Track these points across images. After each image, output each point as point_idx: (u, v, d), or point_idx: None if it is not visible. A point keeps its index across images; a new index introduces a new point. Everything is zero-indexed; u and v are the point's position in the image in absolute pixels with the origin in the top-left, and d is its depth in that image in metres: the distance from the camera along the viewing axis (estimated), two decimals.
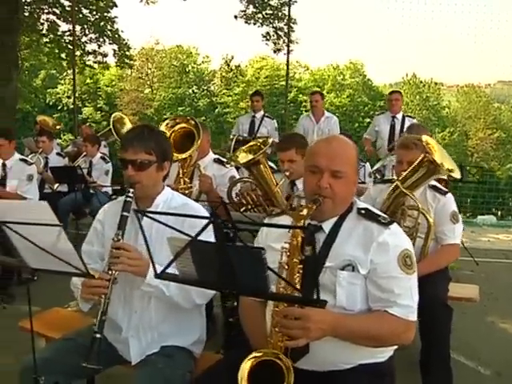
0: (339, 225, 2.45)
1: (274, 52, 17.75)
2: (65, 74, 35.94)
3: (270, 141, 4.39)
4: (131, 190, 2.75)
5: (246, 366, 2.18)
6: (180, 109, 36.78)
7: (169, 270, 1.99)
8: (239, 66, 42.64)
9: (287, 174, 4.26)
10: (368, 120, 37.62)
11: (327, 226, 2.45)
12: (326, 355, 2.35)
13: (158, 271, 1.98)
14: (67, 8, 17.46)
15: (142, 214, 1.90)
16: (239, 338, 4.21)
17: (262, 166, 4.21)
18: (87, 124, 14.57)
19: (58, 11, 17.71)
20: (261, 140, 4.52)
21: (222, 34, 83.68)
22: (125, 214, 2.72)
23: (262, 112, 9.43)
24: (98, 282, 2.56)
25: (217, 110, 38.07)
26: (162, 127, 4.50)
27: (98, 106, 36.69)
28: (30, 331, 3.58)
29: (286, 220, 2.63)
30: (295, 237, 2.22)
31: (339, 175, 2.38)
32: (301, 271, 2.22)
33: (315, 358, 2.33)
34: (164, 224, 1.94)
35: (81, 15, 17.92)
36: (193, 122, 4.51)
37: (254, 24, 17.70)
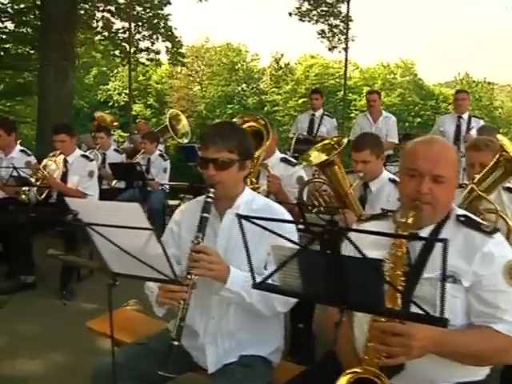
0: (437, 233, 2.27)
1: (329, 50, 17.55)
2: (115, 71, 36.44)
3: (345, 141, 4.21)
4: (212, 191, 2.63)
5: (341, 381, 2.03)
6: (229, 106, 36.77)
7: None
8: (289, 64, 42.44)
9: (361, 175, 4.09)
10: (418, 120, 37.00)
11: (425, 234, 2.27)
12: (422, 372, 2.18)
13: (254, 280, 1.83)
14: (122, 6, 17.64)
15: (245, 219, 1.75)
16: (308, 346, 4.11)
17: (336, 167, 4.06)
18: (140, 120, 14.59)
19: (113, 8, 17.86)
20: (335, 139, 4.37)
21: (272, 32, 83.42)
22: (205, 215, 2.60)
23: (321, 110, 9.26)
24: (177, 287, 2.45)
25: (266, 109, 37.90)
26: None
27: (148, 103, 36.95)
28: (97, 332, 3.53)
29: (374, 226, 2.46)
30: (400, 247, 2.06)
31: (441, 180, 2.20)
32: (403, 284, 2.06)
33: (411, 375, 2.17)
34: (268, 230, 1.78)
35: (135, 12, 18.04)
36: (262, 122, 4.38)
37: (309, 21, 17.55)
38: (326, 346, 2.80)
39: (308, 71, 40.43)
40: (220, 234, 2.71)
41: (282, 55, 42.36)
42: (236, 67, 41.52)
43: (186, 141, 10.08)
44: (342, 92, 23.21)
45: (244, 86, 40.42)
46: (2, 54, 15.19)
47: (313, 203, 4.13)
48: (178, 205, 9.24)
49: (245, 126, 4.36)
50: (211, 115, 35.00)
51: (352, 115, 29.13)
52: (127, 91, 36.25)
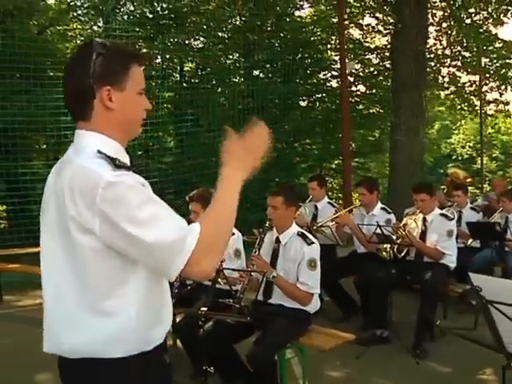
0: None
1: None
2: (458, 124, 36.01)
3: None
4: None
5: None
6: None
7: None
8: None
9: None
10: None
11: None
12: None
13: None
14: (468, 60, 17.52)
15: None
16: None
17: None
18: (498, 177, 14.13)
19: (459, 63, 17.81)
20: None
21: None
22: None
23: None
24: None
25: None
26: None
27: (493, 155, 35.50)
28: None
29: None
30: None
31: None
32: None
33: None
34: None
35: (482, 64, 17.75)
36: None
37: None
38: None
39: None
40: None
41: None
42: None
43: None
44: None
45: None
46: (355, 114, 16.26)
47: None
48: None
49: None
50: None
51: None
52: (471, 144, 35.63)
